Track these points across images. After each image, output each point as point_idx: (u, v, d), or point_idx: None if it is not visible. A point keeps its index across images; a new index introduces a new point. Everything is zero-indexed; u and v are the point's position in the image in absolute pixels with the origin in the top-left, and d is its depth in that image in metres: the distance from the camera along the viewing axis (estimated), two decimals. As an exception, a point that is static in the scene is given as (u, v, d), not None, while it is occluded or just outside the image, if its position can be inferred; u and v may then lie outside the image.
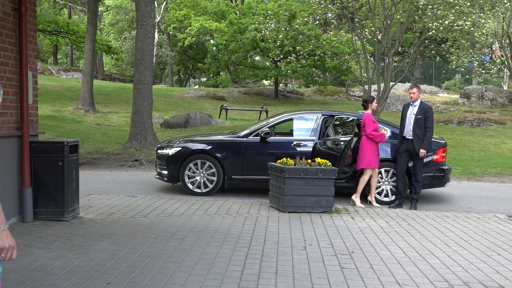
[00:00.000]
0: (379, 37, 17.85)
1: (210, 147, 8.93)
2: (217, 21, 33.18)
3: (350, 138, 8.26)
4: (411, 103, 8.35)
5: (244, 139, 8.93)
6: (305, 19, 20.33)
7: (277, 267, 4.71)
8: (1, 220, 1.99)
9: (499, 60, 26.89)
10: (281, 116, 9.51)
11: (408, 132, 8.21)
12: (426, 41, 24.41)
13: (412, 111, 8.25)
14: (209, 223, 6.45)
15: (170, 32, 45.64)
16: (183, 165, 8.83)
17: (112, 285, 4.09)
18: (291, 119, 9.29)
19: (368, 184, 8.42)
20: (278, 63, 30.24)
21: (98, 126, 18.87)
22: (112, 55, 27.72)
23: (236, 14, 32.35)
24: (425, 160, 8.40)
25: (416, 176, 8.22)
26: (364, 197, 8.76)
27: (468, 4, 16.85)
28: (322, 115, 9.09)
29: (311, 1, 19.89)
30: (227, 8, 34.26)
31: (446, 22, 16.81)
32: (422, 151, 8.10)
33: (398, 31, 17.17)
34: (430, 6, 16.71)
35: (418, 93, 8.37)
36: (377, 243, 5.74)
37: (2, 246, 1.97)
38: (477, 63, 22.77)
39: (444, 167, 8.87)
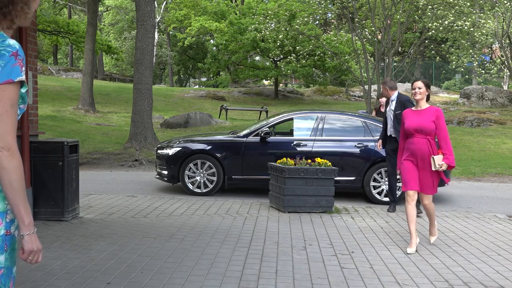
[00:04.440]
0: (379, 37, 17.85)
1: (210, 147, 8.92)
2: (217, 21, 33.21)
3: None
4: (391, 100, 7.80)
5: (244, 139, 8.92)
6: (305, 19, 20.34)
7: (277, 267, 4.71)
8: (30, 223, 1.96)
9: (499, 60, 26.90)
10: (281, 116, 9.50)
11: (390, 130, 7.74)
12: (426, 41, 24.43)
13: (390, 107, 7.78)
14: (209, 223, 6.45)
15: (170, 32, 45.66)
16: (183, 165, 8.82)
17: (112, 285, 4.09)
18: (291, 119, 9.28)
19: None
20: (278, 63, 30.25)
21: (98, 126, 18.89)
22: (112, 55, 27.76)
23: (236, 14, 32.37)
24: None
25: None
26: (364, 197, 8.76)
27: (468, 4, 16.86)
28: (322, 115, 9.08)
29: (311, 1, 19.91)
30: (227, 8, 34.30)
31: (446, 22, 16.82)
32: None
33: (398, 31, 17.17)
34: (430, 6, 16.71)
35: (386, 90, 7.84)
36: (377, 243, 5.74)
37: (31, 249, 1.97)
38: (477, 63, 22.78)
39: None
